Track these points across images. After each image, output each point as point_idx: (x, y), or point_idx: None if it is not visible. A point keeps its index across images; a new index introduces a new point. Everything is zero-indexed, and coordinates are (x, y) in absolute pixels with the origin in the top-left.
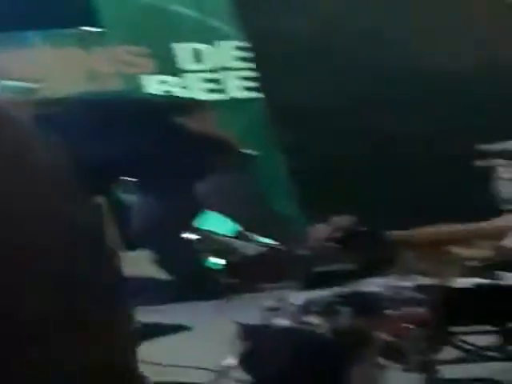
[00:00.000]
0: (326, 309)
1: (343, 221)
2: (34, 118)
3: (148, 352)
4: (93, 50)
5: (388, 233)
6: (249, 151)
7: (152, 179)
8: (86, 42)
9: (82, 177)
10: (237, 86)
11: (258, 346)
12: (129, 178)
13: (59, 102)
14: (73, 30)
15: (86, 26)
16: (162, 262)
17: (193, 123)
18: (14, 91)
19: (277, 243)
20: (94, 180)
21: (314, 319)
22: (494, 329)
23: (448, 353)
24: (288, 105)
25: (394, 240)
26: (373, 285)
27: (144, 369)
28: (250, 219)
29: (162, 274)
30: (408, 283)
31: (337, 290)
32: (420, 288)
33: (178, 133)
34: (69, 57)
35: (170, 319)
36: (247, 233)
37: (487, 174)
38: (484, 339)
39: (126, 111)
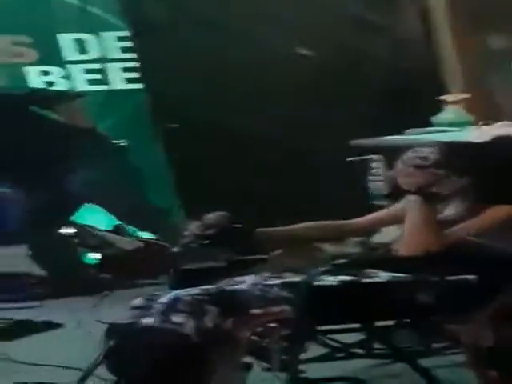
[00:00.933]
0: (193, 308)
1: (215, 217)
2: None
3: (17, 350)
4: None
5: (258, 230)
6: (121, 142)
7: (22, 173)
8: None
9: None
10: (119, 77)
11: (121, 345)
12: None
13: None
14: None
15: None
16: (36, 257)
17: (58, 115)
18: None
19: (154, 237)
20: None
21: (179, 318)
22: (360, 326)
23: (314, 351)
24: (168, 96)
25: (264, 237)
26: (242, 283)
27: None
28: (127, 212)
29: (36, 270)
30: (276, 281)
31: (205, 288)
32: (287, 285)
33: (40, 124)
34: None
35: (44, 316)
36: (124, 226)
37: (358, 170)
38: (350, 337)
39: None
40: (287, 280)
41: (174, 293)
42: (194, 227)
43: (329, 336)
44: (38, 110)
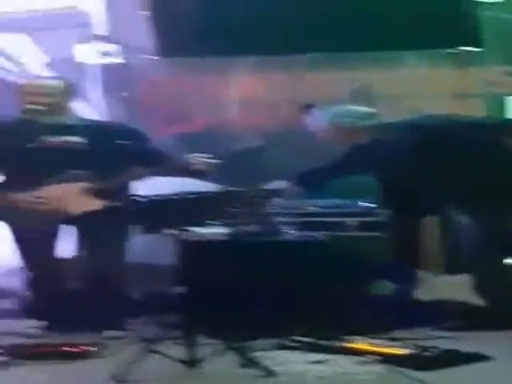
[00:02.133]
0: None
1: None
2: (371, 144)
3: (437, 380)
4: (465, 70)
5: None
6: None
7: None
8: (460, 62)
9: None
10: None
11: None
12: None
13: (392, 127)
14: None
15: (466, 46)
16: (481, 288)
17: None
18: (352, 116)
19: None
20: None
21: None
22: None
23: None
24: None
25: None
26: None
27: None
28: None
29: (475, 300)
30: None
31: None
32: None
33: None
34: (439, 77)
35: (471, 347)
36: None
37: None
38: None
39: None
40: None
41: None
42: None
43: None
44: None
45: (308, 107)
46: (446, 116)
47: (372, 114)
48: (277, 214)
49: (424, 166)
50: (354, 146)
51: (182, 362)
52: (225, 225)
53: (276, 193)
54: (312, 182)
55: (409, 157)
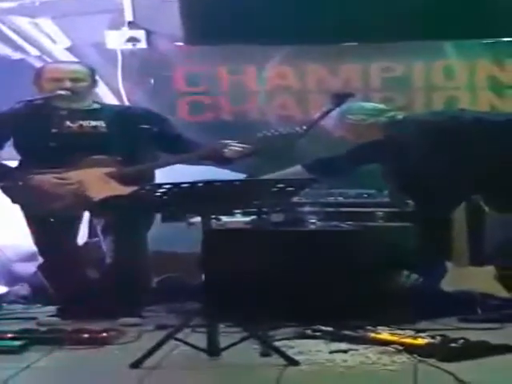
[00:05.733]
0: None
1: None
2: (386, 140)
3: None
4: (504, 61)
5: None
6: None
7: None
8: (500, 53)
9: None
10: None
11: None
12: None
13: (405, 122)
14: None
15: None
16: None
17: None
18: (365, 113)
19: None
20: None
21: None
22: None
23: None
24: None
25: None
26: None
27: None
28: None
29: (503, 291)
30: None
31: None
32: None
33: None
34: (477, 68)
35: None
36: None
37: None
38: None
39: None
40: None
41: None
42: None
43: None
44: None
45: (346, 96)
46: (472, 112)
47: (384, 111)
48: (302, 204)
49: (449, 158)
50: (368, 141)
51: (203, 350)
52: (249, 213)
53: (304, 183)
54: (331, 170)
55: (429, 150)
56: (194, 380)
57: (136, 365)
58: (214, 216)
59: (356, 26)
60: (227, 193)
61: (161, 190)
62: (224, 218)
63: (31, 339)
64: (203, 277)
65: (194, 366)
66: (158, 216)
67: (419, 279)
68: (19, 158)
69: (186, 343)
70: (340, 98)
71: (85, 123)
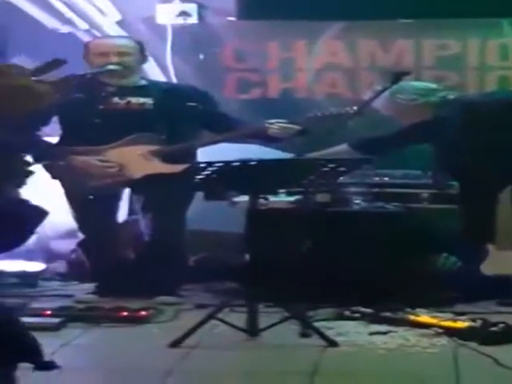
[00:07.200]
0: None
1: None
2: (436, 120)
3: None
4: None
5: None
6: None
7: None
8: None
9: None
10: None
11: None
12: None
13: (456, 103)
14: None
15: None
16: None
17: None
18: (419, 92)
19: None
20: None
21: None
22: None
23: None
24: None
25: None
26: None
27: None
28: None
29: None
30: None
31: None
32: None
33: None
34: None
35: None
36: None
37: None
38: None
39: None
40: None
41: None
42: None
43: None
44: None
45: (403, 74)
46: None
47: (436, 90)
48: (347, 184)
49: (498, 140)
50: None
51: (243, 330)
52: (293, 193)
53: (357, 163)
54: (377, 149)
55: (478, 132)
56: (233, 360)
57: (175, 344)
58: (261, 195)
59: (412, 1)
60: (278, 171)
61: (211, 168)
62: (269, 198)
63: (69, 317)
64: (246, 256)
65: (233, 346)
66: (203, 195)
67: (458, 262)
68: (60, 133)
69: (226, 323)
70: (396, 77)
71: (133, 100)
